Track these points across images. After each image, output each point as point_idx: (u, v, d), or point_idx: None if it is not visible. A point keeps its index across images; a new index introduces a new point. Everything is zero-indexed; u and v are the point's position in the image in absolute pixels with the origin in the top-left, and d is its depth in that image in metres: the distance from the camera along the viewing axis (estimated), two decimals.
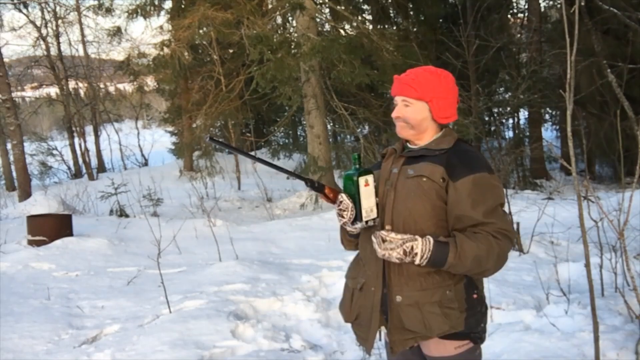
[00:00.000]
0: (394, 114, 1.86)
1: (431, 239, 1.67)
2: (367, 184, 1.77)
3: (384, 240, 1.69)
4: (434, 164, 1.76)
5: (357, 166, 1.79)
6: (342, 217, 1.79)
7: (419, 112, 1.81)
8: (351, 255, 2.06)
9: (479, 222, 1.70)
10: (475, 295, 1.81)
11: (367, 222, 1.78)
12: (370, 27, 12.25)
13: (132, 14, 12.11)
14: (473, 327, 1.80)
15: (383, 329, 1.86)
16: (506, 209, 5.27)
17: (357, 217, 1.78)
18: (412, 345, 1.81)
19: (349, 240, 1.96)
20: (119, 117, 25.06)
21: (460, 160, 1.76)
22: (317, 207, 9.68)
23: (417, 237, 1.68)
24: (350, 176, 1.78)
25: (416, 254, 1.66)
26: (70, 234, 7.02)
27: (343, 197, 1.78)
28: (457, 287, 1.77)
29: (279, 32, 12.03)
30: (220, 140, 1.86)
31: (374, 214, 1.79)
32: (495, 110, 14.62)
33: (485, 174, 1.74)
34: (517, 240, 5.32)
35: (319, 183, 1.82)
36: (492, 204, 1.72)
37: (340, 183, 11.15)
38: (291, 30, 12.14)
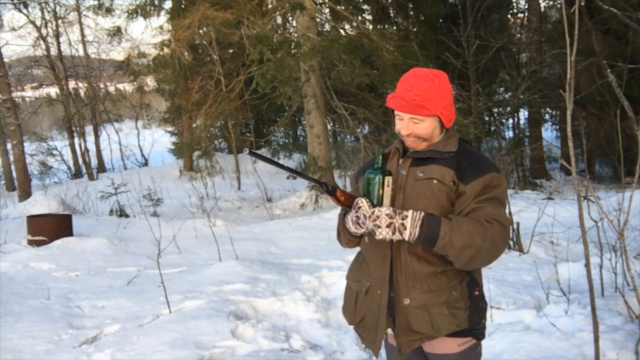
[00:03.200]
0: (403, 132, 1.81)
1: (422, 212, 1.68)
2: (388, 185, 1.76)
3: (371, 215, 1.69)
4: (444, 167, 1.76)
5: (381, 165, 1.79)
6: (360, 225, 1.75)
7: (430, 126, 1.80)
8: (351, 255, 2.05)
9: (470, 209, 1.71)
10: (477, 292, 1.83)
11: None
12: (370, 27, 12.25)
13: (132, 14, 12.11)
14: (476, 324, 1.81)
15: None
16: (506, 209, 5.29)
17: None
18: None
19: (349, 239, 1.93)
20: (119, 117, 25.07)
21: (470, 163, 1.77)
22: (317, 207, 9.69)
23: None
24: (376, 175, 1.76)
25: (406, 215, 1.66)
26: (70, 234, 7.03)
27: (363, 202, 1.74)
28: (461, 285, 1.79)
29: (279, 32, 12.03)
30: (258, 152, 1.84)
31: None
32: (495, 110, 14.61)
33: (493, 174, 1.75)
34: (517, 240, 5.33)
35: (332, 187, 1.78)
36: (489, 196, 1.73)
37: (340, 183, 11.19)
38: (291, 30, 12.14)
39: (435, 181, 1.75)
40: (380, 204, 1.74)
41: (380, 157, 1.81)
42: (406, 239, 1.66)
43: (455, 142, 1.83)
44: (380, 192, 1.74)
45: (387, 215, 1.66)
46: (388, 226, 1.66)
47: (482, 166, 1.76)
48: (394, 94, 1.82)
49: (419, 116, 1.77)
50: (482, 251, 1.66)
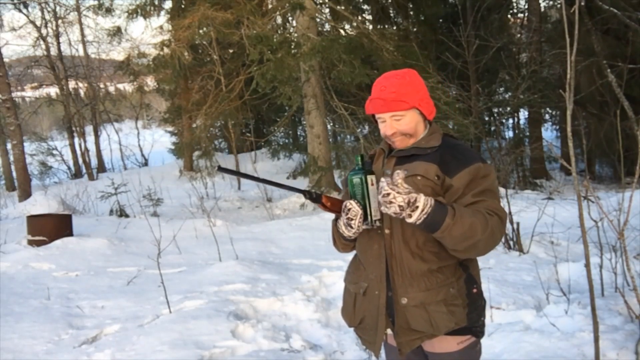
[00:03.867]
0: (388, 132, 1.82)
1: (433, 199, 1.64)
2: (372, 184, 1.76)
3: (394, 184, 1.62)
4: (427, 162, 1.77)
5: (361, 165, 1.79)
6: (351, 226, 1.76)
7: (412, 120, 1.82)
8: (351, 256, 2.05)
9: (469, 203, 1.71)
10: (475, 290, 1.83)
11: (375, 221, 1.76)
12: (370, 27, 12.26)
13: (132, 14, 12.12)
14: (475, 322, 1.82)
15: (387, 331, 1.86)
16: (506, 209, 5.31)
17: (365, 217, 1.75)
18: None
19: (345, 244, 1.93)
20: (119, 117, 25.06)
21: (453, 155, 1.78)
22: (318, 207, 9.67)
23: (421, 194, 1.64)
24: (358, 176, 1.76)
25: (417, 207, 1.61)
26: (70, 234, 7.02)
27: (352, 204, 1.74)
28: (459, 283, 1.79)
29: (279, 32, 12.04)
30: (228, 168, 1.82)
31: (379, 214, 1.77)
32: (495, 110, 14.62)
33: (479, 164, 1.76)
34: (517, 240, 5.33)
35: (316, 193, 1.79)
36: (483, 188, 1.73)
37: (340, 183, 11.16)
38: (291, 30, 12.15)
39: (419, 177, 1.76)
40: (366, 203, 1.74)
41: (360, 158, 1.80)
42: (408, 221, 1.64)
43: (439, 136, 1.84)
44: (365, 191, 1.74)
45: (399, 206, 1.61)
46: (395, 213, 1.63)
47: (466, 158, 1.77)
48: (370, 98, 1.85)
49: (399, 112, 1.80)
50: (481, 242, 1.66)
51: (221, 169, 1.72)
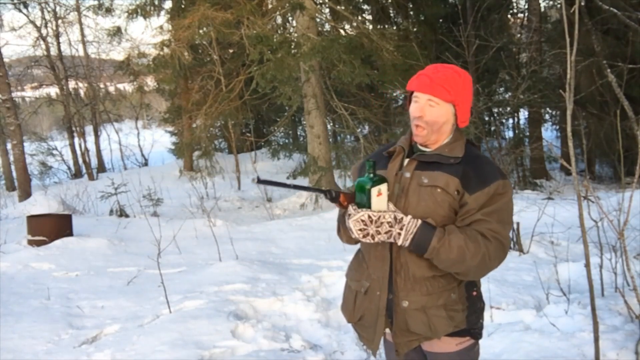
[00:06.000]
0: (416, 113, 1.75)
1: (420, 220, 1.68)
2: (379, 194, 1.71)
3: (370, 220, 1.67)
4: (449, 175, 1.72)
5: (372, 175, 1.71)
6: (352, 231, 1.75)
7: (444, 114, 1.75)
8: (351, 255, 2.06)
9: (475, 220, 1.69)
10: (474, 293, 1.83)
11: None
12: (370, 27, 12.25)
13: (132, 14, 12.10)
14: (473, 324, 1.82)
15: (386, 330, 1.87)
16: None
17: None
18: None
19: (350, 237, 1.89)
20: (119, 117, 25.04)
21: (475, 171, 1.73)
22: (317, 207, 9.69)
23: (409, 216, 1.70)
24: (363, 185, 1.70)
25: (403, 225, 1.66)
26: (70, 234, 7.03)
27: (355, 211, 1.72)
28: (459, 287, 1.79)
29: (279, 32, 12.04)
30: (267, 180, 1.80)
31: None
32: (495, 110, 14.60)
33: (499, 182, 1.71)
34: (517, 240, 5.33)
35: (335, 192, 1.72)
36: (496, 207, 1.70)
37: (340, 183, 11.18)
38: (291, 30, 12.14)
39: (439, 190, 1.72)
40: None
41: (372, 164, 1.73)
42: (399, 244, 1.69)
43: (462, 145, 1.79)
44: (368, 203, 1.70)
45: (388, 223, 1.66)
46: (386, 232, 1.67)
47: (488, 175, 1.72)
48: (418, 73, 1.78)
49: (437, 98, 1.73)
50: (471, 269, 1.67)
51: (261, 181, 1.69)
